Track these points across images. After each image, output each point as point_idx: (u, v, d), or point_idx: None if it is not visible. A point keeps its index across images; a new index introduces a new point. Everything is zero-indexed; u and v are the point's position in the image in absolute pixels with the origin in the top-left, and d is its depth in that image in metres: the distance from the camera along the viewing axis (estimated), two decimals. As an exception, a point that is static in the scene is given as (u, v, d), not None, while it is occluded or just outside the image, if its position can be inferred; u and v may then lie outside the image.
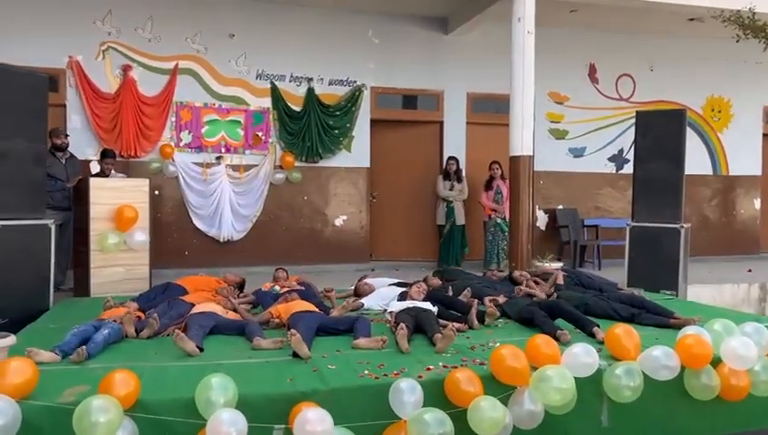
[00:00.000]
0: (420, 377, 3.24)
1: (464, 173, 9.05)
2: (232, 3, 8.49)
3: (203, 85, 8.43)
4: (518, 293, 5.25)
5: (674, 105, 9.82)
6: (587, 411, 3.42)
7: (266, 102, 8.67)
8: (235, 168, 8.52)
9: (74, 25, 7.89)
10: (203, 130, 8.44)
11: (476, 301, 4.85)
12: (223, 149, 8.51)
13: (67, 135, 6.98)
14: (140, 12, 8.16)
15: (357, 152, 9.06)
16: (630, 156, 9.22)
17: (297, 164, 8.74)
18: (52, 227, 5.31)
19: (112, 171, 6.89)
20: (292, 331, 3.62)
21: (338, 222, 9.09)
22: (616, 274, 6.94)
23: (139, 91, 8.12)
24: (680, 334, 3.74)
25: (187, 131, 8.37)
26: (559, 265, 7.47)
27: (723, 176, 10.73)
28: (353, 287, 5.73)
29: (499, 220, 8.63)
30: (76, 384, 3.02)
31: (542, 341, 3.48)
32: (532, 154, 7.20)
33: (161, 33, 8.24)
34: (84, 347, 3.50)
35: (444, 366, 3.42)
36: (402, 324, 3.89)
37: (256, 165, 8.61)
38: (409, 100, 9.45)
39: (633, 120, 7.32)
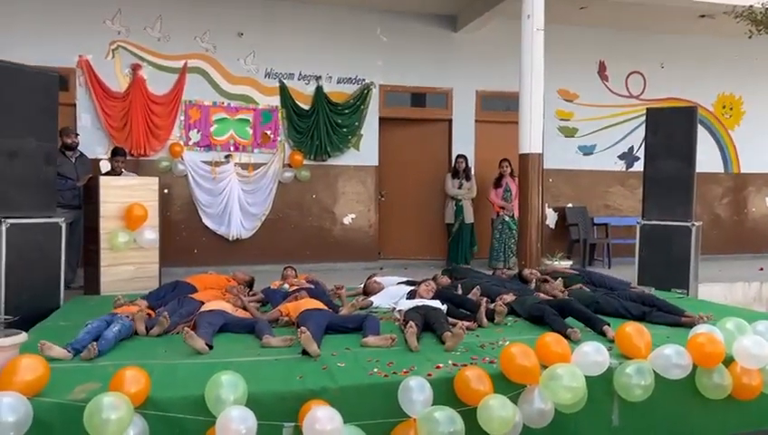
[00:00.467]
0: (430, 375, 3.23)
1: (473, 171, 9.03)
2: (240, 1, 8.50)
3: (212, 84, 8.45)
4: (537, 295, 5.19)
5: (684, 102, 9.74)
6: (597, 410, 3.41)
7: (275, 101, 8.68)
8: (244, 166, 8.54)
9: (84, 25, 7.93)
10: (212, 129, 8.46)
11: (485, 299, 4.84)
12: (232, 148, 8.53)
13: (77, 134, 7.01)
14: (150, 11, 8.18)
15: (365, 150, 9.05)
16: (641, 154, 9.17)
17: (306, 162, 8.74)
18: (63, 226, 5.33)
19: (123, 170, 6.93)
20: (302, 328, 3.62)
21: (346, 220, 9.09)
22: (626, 272, 6.90)
23: (148, 89, 8.15)
24: (692, 333, 3.72)
25: (196, 130, 8.40)
26: (568, 263, 7.45)
27: (734, 174, 10.65)
28: (362, 286, 5.73)
29: (507, 218, 8.61)
30: (87, 381, 3.04)
31: (552, 339, 3.46)
32: (541, 152, 7.17)
33: (170, 32, 8.26)
34: (95, 344, 3.51)
35: (453, 364, 3.41)
36: (411, 322, 3.88)
37: (265, 163, 8.62)
38: (418, 98, 9.44)
39: (643, 118, 7.27)
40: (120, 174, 6.81)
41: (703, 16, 9.12)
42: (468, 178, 8.88)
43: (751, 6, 7.39)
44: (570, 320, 4.30)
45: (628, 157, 10.12)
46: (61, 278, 5.32)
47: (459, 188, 8.80)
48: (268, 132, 8.66)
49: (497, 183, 8.77)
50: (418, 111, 9.46)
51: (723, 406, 3.60)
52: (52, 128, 5.28)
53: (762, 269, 8.60)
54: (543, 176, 7.34)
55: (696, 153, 6.57)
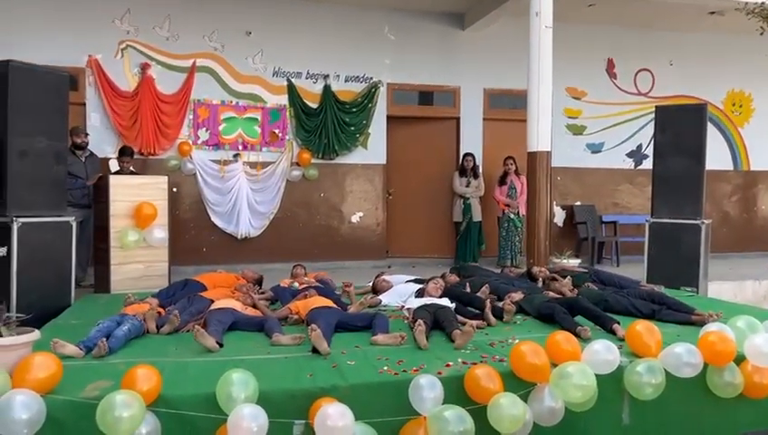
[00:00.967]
0: (440, 373, 3.23)
1: (480, 169, 9.03)
2: (249, 0, 8.51)
3: (220, 83, 8.47)
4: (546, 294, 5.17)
5: (693, 100, 9.69)
6: (608, 409, 3.40)
7: (283, 100, 8.69)
8: (253, 165, 8.56)
9: (93, 25, 7.97)
10: (220, 128, 8.48)
11: (492, 297, 4.83)
12: (240, 147, 8.55)
13: (87, 134, 7.05)
14: (158, 10, 8.22)
15: (373, 149, 9.06)
16: (649, 151, 9.15)
17: (314, 161, 8.76)
18: (74, 225, 5.37)
19: (131, 169, 6.96)
20: (313, 326, 3.64)
21: (354, 219, 9.10)
22: (635, 270, 6.88)
23: (157, 89, 8.18)
24: (703, 331, 3.70)
25: (204, 129, 8.42)
26: (577, 261, 7.43)
27: (744, 171, 10.59)
28: (371, 284, 5.74)
29: (512, 216, 8.59)
30: (99, 379, 3.06)
31: (562, 337, 3.45)
32: (549, 150, 7.15)
33: (179, 31, 8.29)
34: (105, 341, 3.54)
35: (463, 362, 3.42)
36: (420, 320, 3.89)
37: (273, 162, 8.64)
38: (426, 96, 9.43)
39: (652, 116, 7.24)
40: (128, 174, 6.85)
41: (712, 13, 9.07)
42: (476, 176, 8.88)
43: (763, 3, 7.34)
44: (579, 318, 4.29)
45: (637, 155, 10.08)
46: (72, 276, 5.36)
47: (467, 186, 8.79)
48: (276, 131, 8.67)
49: (502, 181, 8.76)
50: (426, 109, 9.45)
51: (734, 405, 3.58)
52: (62, 127, 5.31)
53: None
54: (551, 174, 7.31)
55: (706, 151, 6.54)
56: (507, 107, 9.40)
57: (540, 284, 5.70)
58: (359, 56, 8.91)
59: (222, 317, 4.12)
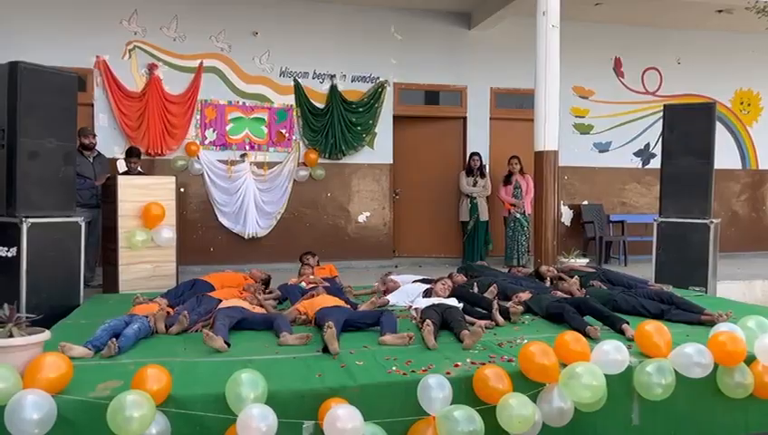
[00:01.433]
0: (448, 374, 3.22)
1: (487, 169, 9.01)
2: (255, 1, 8.53)
3: (227, 83, 8.50)
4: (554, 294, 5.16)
5: (701, 99, 9.65)
6: (617, 409, 3.39)
7: (290, 100, 8.70)
8: (260, 165, 8.58)
9: (101, 26, 8.00)
10: (227, 128, 8.50)
11: (497, 298, 4.83)
12: (247, 147, 8.57)
13: (95, 135, 7.08)
14: (165, 11, 8.24)
15: (380, 149, 9.06)
16: (657, 151, 9.12)
17: (320, 161, 8.77)
18: (82, 225, 5.39)
19: (139, 169, 6.99)
20: (329, 323, 3.65)
21: (361, 219, 9.10)
22: (642, 270, 6.86)
23: (164, 89, 8.21)
24: (713, 331, 3.68)
25: (211, 129, 8.44)
26: (585, 261, 7.40)
27: (752, 170, 10.53)
28: (377, 284, 5.74)
29: (518, 216, 8.57)
30: (109, 379, 3.07)
31: (571, 337, 3.44)
32: (556, 149, 7.13)
33: (186, 31, 8.31)
34: (115, 341, 3.55)
35: (472, 363, 3.41)
36: (428, 321, 3.89)
37: (280, 162, 8.65)
38: (432, 96, 9.42)
39: (659, 115, 7.22)
40: (135, 174, 6.87)
41: (720, 11, 9.02)
42: (483, 175, 8.87)
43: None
44: (587, 318, 4.27)
45: (645, 154, 10.04)
46: (80, 277, 5.38)
47: (474, 185, 8.78)
48: (283, 131, 8.69)
49: (507, 180, 8.74)
50: (433, 108, 9.45)
51: (744, 405, 3.56)
52: (71, 128, 5.33)
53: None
54: (559, 173, 7.29)
55: (715, 150, 6.51)
56: (514, 106, 9.39)
57: (548, 283, 5.69)
58: (365, 56, 8.91)
59: (229, 313, 4.14)
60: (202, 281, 5.30)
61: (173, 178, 6.53)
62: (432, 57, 9.13)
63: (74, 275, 5.29)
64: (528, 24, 7.31)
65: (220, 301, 4.57)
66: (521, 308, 4.57)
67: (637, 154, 10.03)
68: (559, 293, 5.14)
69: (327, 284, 5.33)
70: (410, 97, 9.25)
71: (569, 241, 9.15)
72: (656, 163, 8.85)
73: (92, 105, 7.99)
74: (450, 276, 5.53)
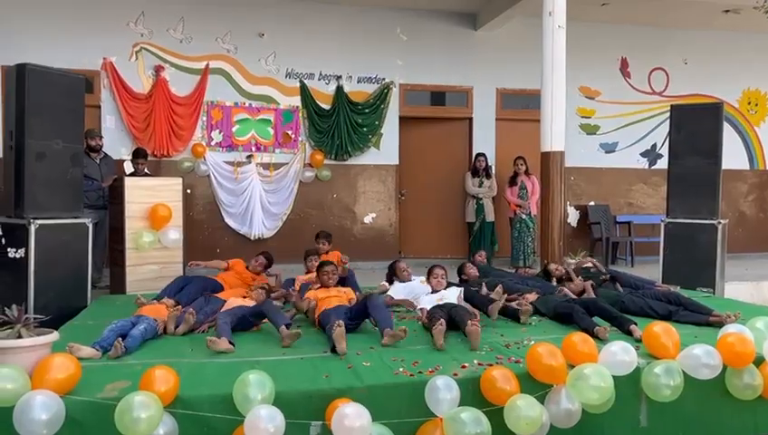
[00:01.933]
0: (455, 375, 3.22)
1: (493, 170, 9.00)
2: (261, 2, 8.55)
3: (233, 85, 8.51)
4: (559, 292, 5.14)
5: (708, 99, 9.61)
6: (625, 411, 3.38)
7: (296, 101, 8.72)
8: (266, 166, 8.59)
9: (108, 28, 8.03)
10: (233, 130, 8.52)
11: (504, 295, 4.83)
12: (253, 148, 8.58)
13: (101, 136, 7.10)
14: (172, 13, 8.27)
15: (386, 150, 9.06)
16: (664, 151, 9.09)
17: (326, 162, 8.78)
18: (90, 226, 5.40)
19: (145, 170, 7.01)
20: (339, 321, 3.67)
21: (367, 220, 9.10)
22: (649, 271, 6.83)
23: (170, 91, 8.23)
24: (721, 333, 3.67)
25: (217, 131, 8.46)
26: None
27: (760, 170, 10.48)
28: (390, 266, 5.75)
29: (524, 217, 8.55)
30: (117, 380, 3.08)
31: (578, 338, 3.43)
32: (563, 150, 7.11)
33: (192, 33, 8.33)
34: (121, 341, 3.57)
35: (479, 364, 3.41)
36: (442, 320, 3.88)
37: (286, 163, 8.67)
38: (438, 96, 9.42)
39: (666, 115, 7.18)
40: (143, 175, 6.90)
41: (727, 11, 8.99)
42: (489, 176, 8.85)
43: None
44: (595, 319, 4.26)
45: (651, 154, 10.01)
46: (88, 278, 5.40)
47: (479, 186, 8.77)
48: (289, 132, 8.70)
49: (512, 181, 8.72)
50: (439, 109, 9.44)
51: (753, 407, 3.55)
52: (78, 130, 5.35)
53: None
54: (565, 174, 7.28)
55: (722, 150, 6.48)
56: (520, 107, 9.38)
57: (554, 282, 5.68)
58: (371, 57, 8.92)
59: (230, 312, 4.18)
60: (213, 280, 5.36)
61: (179, 180, 6.55)
62: (438, 58, 9.13)
63: (82, 276, 5.32)
64: (534, 24, 7.30)
65: (225, 301, 4.58)
66: (530, 308, 4.56)
67: (643, 155, 10.00)
68: (566, 291, 5.13)
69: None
70: (416, 98, 9.25)
71: (575, 242, 9.12)
72: (662, 164, 8.81)
73: (99, 107, 8.02)
74: (463, 269, 5.64)
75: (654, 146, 9.97)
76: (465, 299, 4.76)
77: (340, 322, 3.66)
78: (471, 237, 8.87)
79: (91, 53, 7.91)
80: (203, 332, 4.15)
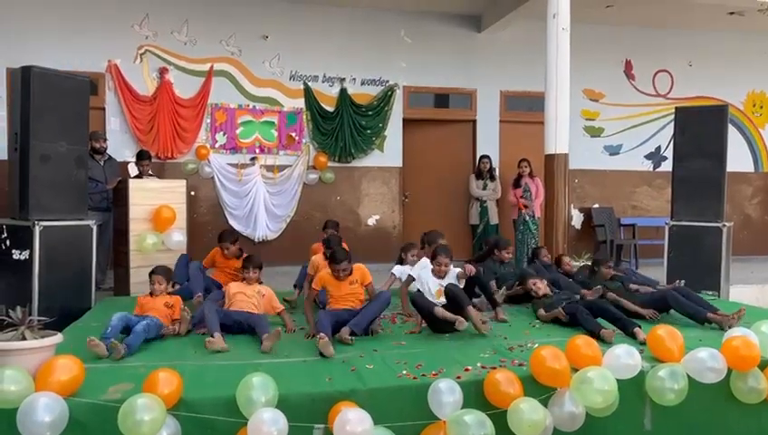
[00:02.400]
0: (459, 378, 3.22)
1: (497, 172, 8.99)
2: (265, 5, 8.55)
3: (237, 87, 8.52)
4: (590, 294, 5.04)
5: (713, 101, 9.58)
6: (629, 414, 3.37)
7: (300, 103, 8.72)
8: (270, 168, 8.59)
9: (113, 30, 8.05)
10: (237, 132, 8.53)
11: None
12: (257, 150, 8.59)
13: (106, 139, 7.11)
14: (176, 15, 8.28)
15: (389, 152, 9.05)
16: (668, 153, 9.06)
17: (330, 164, 8.78)
18: (94, 228, 5.42)
19: (150, 172, 7.02)
20: (321, 334, 3.71)
21: (370, 222, 9.10)
22: (654, 273, 6.79)
23: (175, 93, 8.25)
24: (726, 336, 3.65)
25: (221, 133, 8.47)
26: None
27: (765, 173, 10.42)
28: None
29: (527, 218, 8.53)
30: (120, 382, 3.09)
31: (582, 342, 3.43)
32: (567, 152, 7.10)
33: (196, 35, 8.35)
34: (123, 346, 3.62)
35: (482, 367, 3.40)
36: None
37: (290, 165, 8.67)
38: (442, 98, 9.41)
39: (671, 117, 7.16)
40: (148, 176, 6.91)
41: (732, 13, 8.96)
42: (493, 178, 8.83)
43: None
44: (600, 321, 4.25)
45: (656, 157, 9.98)
46: (92, 279, 5.42)
47: (483, 188, 8.75)
48: (293, 134, 8.71)
49: (516, 183, 8.69)
50: (442, 111, 9.44)
51: (758, 410, 3.54)
52: (82, 132, 5.37)
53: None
54: (569, 176, 7.26)
55: (727, 153, 6.46)
56: (524, 109, 9.36)
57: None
58: (375, 59, 8.92)
59: (214, 305, 4.27)
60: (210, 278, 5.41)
61: (183, 182, 6.57)
62: (442, 60, 9.13)
63: (86, 278, 5.33)
64: (538, 26, 7.29)
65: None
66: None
67: (648, 157, 9.97)
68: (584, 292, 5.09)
69: None
70: (420, 100, 9.25)
71: (579, 244, 9.09)
72: (667, 166, 8.80)
73: (104, 109, 8.03)
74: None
75: (658, 148, 9.94)
76: (478, 284, 4.77)
77: (321, 335, 3.69)
78: (475, 240, 8.85)
79: (95, 55, 7.93)
80: (203, 334, 4.13)
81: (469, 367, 3.40)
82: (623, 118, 9.79)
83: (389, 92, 8.98)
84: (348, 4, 8.71)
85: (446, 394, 3.02)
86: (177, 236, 6.22)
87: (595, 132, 9.75)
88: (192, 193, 8.03)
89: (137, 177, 6.88)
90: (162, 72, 8.20)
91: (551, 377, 3.21)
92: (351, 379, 3.25)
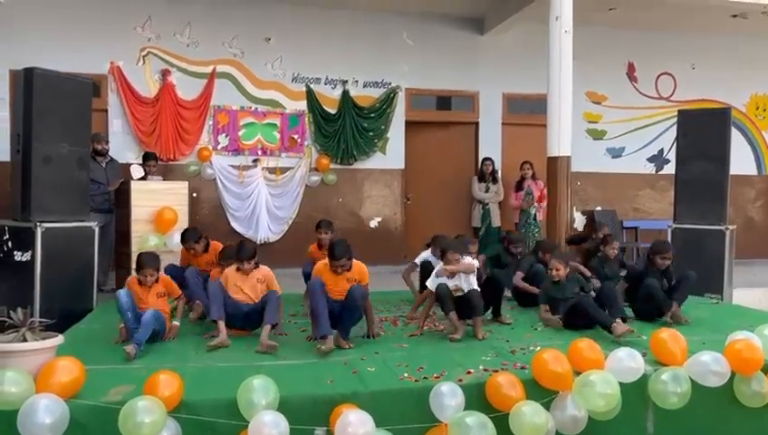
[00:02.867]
0: (460, 381, 3.21)
1: (499, 174, 8.98)
2: (268, 7, 8.56)
3: (240, 89, 8.53)
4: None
5: (716, 104, 9.57)
6: (631, 418, 3.35)
7: (302, 105, 8.73)
8: (272, 170, 8.60)
9: (115, 32, 8.06)
10: (240, 133, 8.53)
11: None
12: (259, 152, 8.59)
13: (107, 141, 7.12)
14: (179, 17, 8.30)
15: (391, 154, 9.05)
16: (671, 156, 9.05)
17: (332, 166, 8.77)
18: (96, 230, 5.42)
19: (154, 172, 7.03)
20: (319, 346, 3.75)
21: (372, 224, 9.09)
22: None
23: (177, 95, 8.26)
24: (729, 339, 3.64)
25: (224, 134, 8.48)
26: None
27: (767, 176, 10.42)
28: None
29: (530, 220, 8.51)
30: (121, 384, 3.08)
31: (585, 345, 3.42)
32: (570, 154, 7.09)
33: (199, 37, 8.36)
34: (133, 347, 3.65)
35: (484, 370, 3.39)
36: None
37: (292, 167, 8.67)
38: (444, 101, 9.41)
39: (673, 120, 7.15)
40: (155, 176, 6.92)
41: (735, 16, 8.95)
42: (495, 181, 8.82)
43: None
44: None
45: (658, 159, 9.96)
46: (94, 281, 5.41)
47: (486, 191, 8.74)
48: (295, 136, 8.71)
49: (519, 186, 8.67)
50: (444, 114, 9.43)
51: (761, 414, 3.52)
52: (85, 133, 5.37)
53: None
54: (571, 179, 7.25)
55: (730, 155, 6.45)
56: (526, 112, 9.35)
57: None
58: (377, 62, 8.92)
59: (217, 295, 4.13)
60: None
61: (186, 184, 6.58)
62: (444, 62, 9.12)
63: (88, 280, 5.33)
64: (541, 29, 7.28)
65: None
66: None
67: (650, 160, 9.96)
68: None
69: None
70: (422, 102, 9.25)
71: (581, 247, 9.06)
72: (669, 169, 8.77)
73: (106, 111, 8.04)
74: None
75: (661, 151, 9.92)
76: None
77: (319, 346, 3.74)
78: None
79: (98, 57, 7.94)
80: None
81: (471, 370, 3.39)
82: (626, 120, 9.78)
83: (392, 95, 8.98)
84: (350, 7, 8.71)
85: (447, 397, 3.01)
86: (179, 238, 6.20)
87: (597, 135, 9.74)
88: (194, 195, 8.03)
89: (142, 178, 6.87)
90: (165, 73, 8.21)
91: (553, 380, 3.20)
92: (353, 381, 3.24)
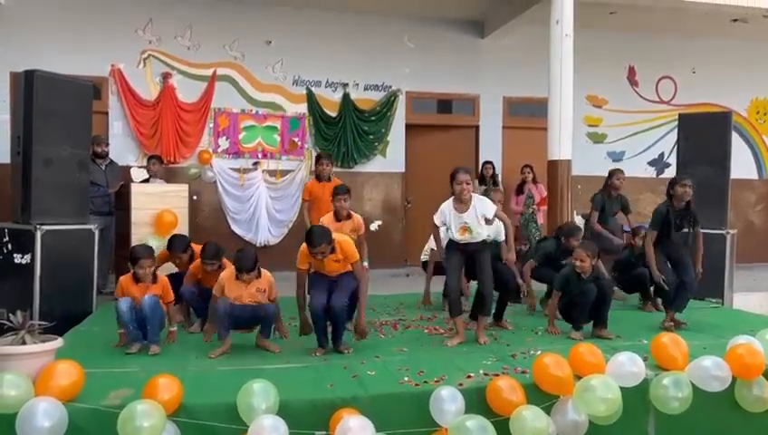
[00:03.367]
0: (461, 385, 3.20)
1: (500, 178, 8.97)
2: (269, 10, 8.57)
3: (240, 92, 8.53)
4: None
5: (717, 107, 9.57)
6: (632, 423, 3.34)
7: (302, 108, 8.73)
8: (272, 173, 8.59)
9: (116, 35, 8.06)
10: (240, 136, 8.53)
11: None
12: (260, 155, 8.59)
13: (107, 143, 7.11)
14: (180, 20, 8.30)
15: (392, 157, 9.05)
16: (671, 160, 9.04)
17: (332, 169, 8.75)
18: (96, 232, 5.41)
19: (156, 172, 7.04)
20: (317, 350, 3.84)
21: (373, 227, 9.07)
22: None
23: (178, 97, 8.25)
24: (730, 344, 3.63)
25: (224, 137, 8.48)
26: None
27: (768, 180, 10.43)
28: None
29: (530, 223, 8.50)
30: (120, 388, 3.07)
31: (585, 349, 3.41)
32: (570, 158, 7.09)
33: (200, 40, 8.36)
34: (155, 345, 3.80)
35: (485, 374, 3.38)
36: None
37: (292, 170, 8.67)
38: (445, 104, 9.41)
39: (674, 124, 7.14)
40: (159, 177, 6.93)
41: (735, 20, 8.95)
42: (495, 184, 8.80)
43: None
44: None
45: (659, 163, 9.96)
46: (93, 284, 5.41)
47: (486, 194, 8.71)
48: (295, 139, 8.71)
49: (519, 190, 8.67)
50: (445, 117, 9.43)
51: (762, 419, 3.51)
52: (85, 136, 5.38)
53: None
54: (572, 182, 7.24)
55: (731, 159, 6.44)
56: (527, 115, 9.34)
57: None
58: (378, 65, 8.92)
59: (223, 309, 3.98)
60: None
61: (186, 186, 6.59)
62: (445, 66, 9.13)
63: (87, 282, 5.32)
64: (542, 32, 7.29)
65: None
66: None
67: (651, 163, 9.95)
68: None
69: None
70: (423, 106, 9.24)
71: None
72: (670, 173, 8.74)
73: (107, 113, 8.04)
74: None
75: (662, 155, 9.92)
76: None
77: (317, 351, 3.83)
78: (477, 245, 8.81)
79: (99, 59, 7.94)
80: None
81: (471, 374, 3.38)
82: (626, 124, 9.78)
83: (392, 98, 8.98)
84: (351, 10, 8.72)
85: (447, 402, 3.00)
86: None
87: (598, 139, 9.74)
88: (194, 197, 8.03)
89: (145, 181, 6.88)
90: (165, 76, 8.21)
91: (554, 384, 3.19)
92: (353, 385, 3.23)
